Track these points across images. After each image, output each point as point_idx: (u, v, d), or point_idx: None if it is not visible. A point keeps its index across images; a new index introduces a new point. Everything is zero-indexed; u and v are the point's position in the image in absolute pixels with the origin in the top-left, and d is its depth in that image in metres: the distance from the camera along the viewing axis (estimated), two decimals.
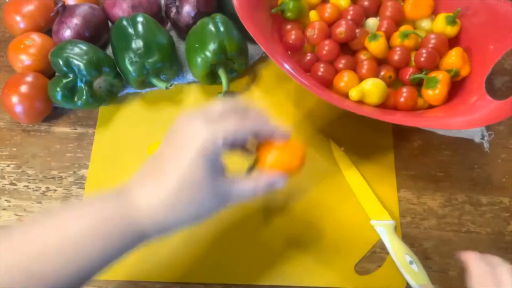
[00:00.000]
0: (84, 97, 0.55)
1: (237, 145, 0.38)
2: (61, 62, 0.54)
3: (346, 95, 0.55)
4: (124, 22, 0.58)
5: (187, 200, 0.34)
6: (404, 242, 0.51)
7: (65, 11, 0.59)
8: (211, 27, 0.57)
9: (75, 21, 0.59)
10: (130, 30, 0.57)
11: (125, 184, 0.37)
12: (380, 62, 0.58)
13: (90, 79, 0.55)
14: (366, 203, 0.54)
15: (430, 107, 0.57)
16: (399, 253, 0.50)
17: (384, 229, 0.51)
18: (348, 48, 0.59)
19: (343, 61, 0.57)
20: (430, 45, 0.56)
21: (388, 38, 0.58)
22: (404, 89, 0.55)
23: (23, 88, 0.56)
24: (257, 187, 0.38)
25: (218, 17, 0.58)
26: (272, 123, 0.38)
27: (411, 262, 0.49)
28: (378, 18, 0.61)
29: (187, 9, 0.60)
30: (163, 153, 0.36)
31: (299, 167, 0.40)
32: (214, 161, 0.35)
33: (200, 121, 0.35)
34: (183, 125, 0.36)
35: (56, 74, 0.58)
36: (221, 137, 0.34)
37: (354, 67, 0.57)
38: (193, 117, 0.36)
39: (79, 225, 0.34)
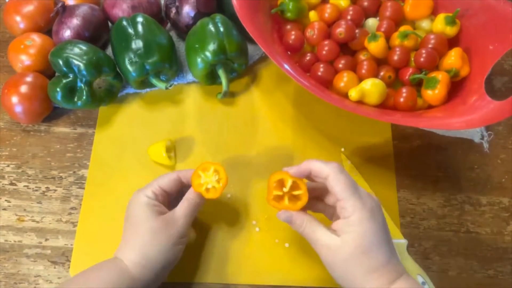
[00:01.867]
0: (84, 97, 0.56)
1: (168, 190, 0.48)
2: (61, 62, 0.54)
3: (345, 95, 0.55)
4: (124, 23, 0.58)
5: (152, 243, 0.44)
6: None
7: (65, 11, 0.59)
8: (211, 27, 0.57)
9: (75, 21, 0.59)
10: (130, 31, 0.57)
11: (115, 254, 0.46)
12: (379, 62, 0.58)
13: (90, 79, 0.55)
14: None
15: (430, 107, 0.57)
16: (411, 273, 0.49)
17: (396, 248, 0.50)
18: (347, 48, 0.59)
19: (342, 61, 0.57)
20: (430, 46, 0.56)
21: (387, 38, 0.58)
22: (404, 89, 0.55)
23: (23, 88, 0.56)
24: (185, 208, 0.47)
25: (218, 17, 0.58)
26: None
27: (423, 283, 0.48)
28: (377, 18, 0.61)
29: (187, 10, 0.60)
30: (126, 228, 0.47)
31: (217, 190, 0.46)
32: (152, 207, 0.45)
33: (138, 191, 0.47)
34: (131, 200, 0.47)
35: (56, 74, 0.58)
36: (150, 191, 0.46)
37: (353, 67, 0.57)
38: (136, 192, 0.48)
39: (103, 284, 0.43)
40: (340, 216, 0.41)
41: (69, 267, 0.52)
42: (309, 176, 0.44)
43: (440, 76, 0.54)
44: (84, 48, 0.55)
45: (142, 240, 0.44)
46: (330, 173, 0.41)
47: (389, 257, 0.40)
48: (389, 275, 0.40)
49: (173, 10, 0.61)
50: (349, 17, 0.59)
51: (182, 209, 0.46)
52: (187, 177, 0.48)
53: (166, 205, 0.48)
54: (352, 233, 0.40)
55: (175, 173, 0.48)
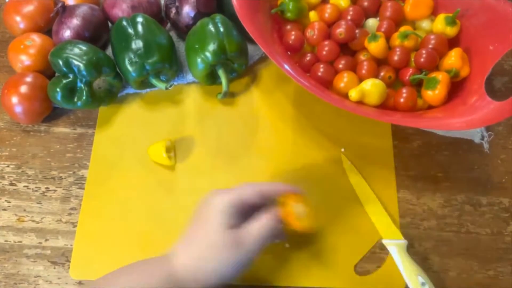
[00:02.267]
0: (84, 98, 0.55)
1: (248, 203, 0.43)
2: (61, 63, 0.54)
3: (346, 96, 0.55)
4: (124, 23, 0.58)
5: (211, 258, 0.41)
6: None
7: (65, 11, 0.59)
8: (211, 27, 0.57)
9: (75, 21, 0.59)
10: (130, 31, 0.57)
11: (170, 250, 0.44)
12: (380, 62, 0.58)
13: (90, 80, 0.55)
14: (378, 221, 0.53)
15: (430, 107, 0.57)
16: (411, 273, 0.48)
17: (396, 248, 0.50)
18: (348, 48, 0.59)
19: (343, 62, 0.57)
20: (430, 46, 0.56)
21: (388, 38, 0.58)
22: (404, 90, 0.55)
23: (23, 89, 0.56)
24: (261, 233, 0.43)
25: (218, 17, 0.58)
26: (279, 185, 0.46)
27: (423, 284, 0.48)
28: (378, 18, 0.61)
29: (187, 10, 0.60)
30: (192, 226, 0.44)
31: (307, 225, 0.44)
32: (227, 212, 0.42)
33: (215, 192, 0.44)
34: (206, 200, 0.44)
35: (56, 74, 0.58)
36: (230, 198, 0.42)
37: (354, 68, 0.57)
38: (213, 192, 0.44)
39: (149, 285, 0.41)
40: None
41: (69, 268, 0.52)
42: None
43: (440, 77, 0.54)
44: (84, 48, 0.55)
45: (203, 252, 0.41)
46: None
47: None
48: None
49: (173, 10, 0.61)
50: (349, 17, 0.59)
51: (257, 228, 0.42)
52: (270, 192, 0.44)
53: (241, 217, 0.43)
54: None
55: (258, 185, 0.44)
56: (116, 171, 0.56)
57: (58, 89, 0.55)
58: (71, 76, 0.55)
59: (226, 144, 0.58)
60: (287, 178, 0.56)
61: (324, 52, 0.57)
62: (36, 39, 0.59)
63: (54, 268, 0.52)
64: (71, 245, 0.53)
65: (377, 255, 0.52)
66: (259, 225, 0.42)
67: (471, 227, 0.54)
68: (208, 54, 0.56)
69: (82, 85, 0.55)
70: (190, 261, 0.42)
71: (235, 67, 0.60)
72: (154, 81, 0.58)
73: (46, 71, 0.59)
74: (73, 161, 0.57)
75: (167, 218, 0.54)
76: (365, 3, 0.61)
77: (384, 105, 0.56)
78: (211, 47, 0.56)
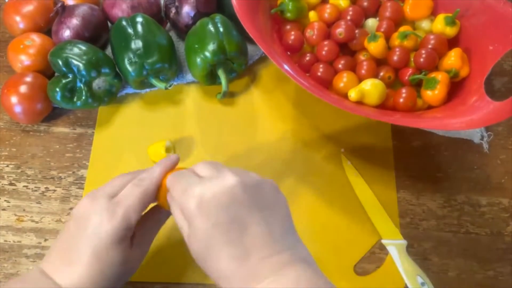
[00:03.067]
0: (83, 97, 0.55)
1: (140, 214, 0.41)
2: (60, 63, 0.54)
3: (345, 96, 0.55)
4: (124, 23, 0.58)
5: (109, 276, 0.38)
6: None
7: (65, 11, 0.59)
8: (211, 27, 0.57)
9: (75, 21, 0.59)
10: (130, 31, 0.57)
11: (41, 266, 0.39)
12: (379, 62, 0.58)
13: (89, 80, 0.55)
14: (377, 222, 0.53)
15: (430, 107, 0.57)
16: (410, 274, 0.49)
17: (395, 248, 0.51)
18: (347, 48, 0.59)
19: (342, 62, 0.57)
20: (430, 46, 0.56)
21: (387, 38, 0.58)
22: (404, 90, 0.55)
23: (23, 88, 0.56)
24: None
25: (218, 17, 0.58)
26: (156, 169, 0.42)
27: (422, 284, 0.48)
28: (377, 18, 0.61)
29: (187, 10, 0.60)
30: (69, 240, 0.39)
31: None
32: (125, 241, 0.39)
33: (104, 209, 0.38)
34: (87, 211, 0.39)
35: (56, 74, 0.58)
36: (132, 219, 0.39)
37: (353, 68, 0.57)
38: (96, 202, 0.39)
39: None
40: None
41: None
42: None
43: (440, 77, 0.54)
44: (83, 48, 0.55)
45: (100, 283, 0.38)
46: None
47: (236, 260, 0.34)
48: (242, 284, 0.33)
49: (173, 10, 0.61)
50: (348, 17, 0.59)
51: (147, 244, 0.43)
52: (152, 190, 0.41)
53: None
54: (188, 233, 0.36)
55: (149, 184, 0.40)
56: (115, 171, 0.56)
57: (57, 89, 0.55)
58: (70, 76, 0.55)
59: (226, 144, 0.58)
60: (286, 178, 0.56)
61: (324, 52, 0.57)
62: (36, 39, 0.59)
63: None
64: None
65: (376, 255, 0.52)
66: (148, 240, 0.43)
67: (471, 227, 0.54)
68: (207, 54, 0.56)
69: (82, 85, 0.55)
70: (74, 281, 0.38)
71: (235, 67, 0.60)
72: (153, 81, 0.58)
73: (46, 71, 0.59)
74: (72, 161, 0.57)
75: None
76: (365, 3, 0.61)
77: (384, 105, 0.56)
78: (211, 47, 0.56)
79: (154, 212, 0.44)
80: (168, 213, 0.44)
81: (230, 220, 0.34)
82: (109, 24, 0.64)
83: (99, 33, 0.61)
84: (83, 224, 0.39)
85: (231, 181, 0.35)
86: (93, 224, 0.38)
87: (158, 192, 0.41)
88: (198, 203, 0.35)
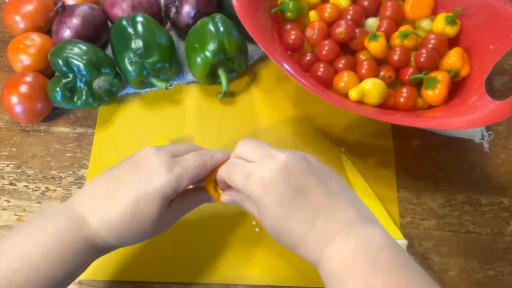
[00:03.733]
0: (83, 97, 0.55)
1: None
2: (60, 62, 0.54)
3: (346, 95, 0.55)
4: (124, 22, 0.58)
5: (136, 226, 0.39)
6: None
7: (65, 11, 0.59)
8: (211, 27, 0.57)
9: (75, 21, 0.59)
10: (130, 30, 0.57)
11: (73, 200, 0.40)
12: (380, 62, 0.58)
13: (89, 79, 0.55)
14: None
15: (430, 107, 0.57)
16: None
17: None
18: (348, 48, 0.59)
19: (342, 61, 0.57)
20: (430, 45, 0.56)
21: (388, 38, 0.58)
22: (404, 89, 0.55)
23: (23, 88, 0.56)
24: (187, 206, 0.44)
25: (218, 17, 0.58)
26: (220, 154, 0.43)
27: None
28: (378, 18, 0.61)
29: (187, 9, 0.60)
30: (120, 176, 0.40)
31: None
32: (166, 201, 0.39)
33: (165, 162, 0.39)
34: (149, 158, 0.40)
35: (56, 74, 0.58)
36: (184, 183, 0.40)
37: (354, 67, 0.57)
38: (159, 153, 0.40)
39: (43, 252, 0.36)
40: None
41: None
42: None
43: (440, 76, 0.54)
44: (83, 48, 0.55)
45: (125, 228, 0.38)
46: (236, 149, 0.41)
47: (310, 221, 0.36)
48: (317, 244, 0.36)
49: (173, 10, 0.61)
50: (349, 17, 0.59)
51: (178, 217, 0.43)
52: (210, 166, 0.42)
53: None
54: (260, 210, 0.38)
55: (208, 160, 0.42)
56: None
57: (57, 89, 0.55)
58: (71, 75, 0.55)
59: (226, 144, 0.58)
60: None
61: (324, 52, 0.57)
62: (36, 38, 0.59)
63: None
64: None
65: None
66: (183, 209, 0.44)
67: (471, 226, 0.54)
68: (208, 53, 0.56)
69: (82, 85, 0.55)
70: (111, 235, 0.38)
71: (235, 67, 0.60)
72: (154, 80, 0.58)
73: (46, 70, 0.59)
74: (72, 161, 0.57)
75: None
76: (365, 3, 0.61)
77: (384, 105, 0.56)
78: (211, 46, 0.55)
79: (195, 191, 0.45)
80: (205, 198, 0.45)
81: (293, 190, 0.37)
82: (110, 23, 0.64)
83: (100, 32, 0.61)
84: (140, 167, 0.39)
85: (282, 157, 0.38)
86: (148, 171, 0.39)
87: (206, 175, 0.43)
88: (262, 185, 0.37)
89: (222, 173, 0.41)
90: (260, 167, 0.38)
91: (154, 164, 0.39)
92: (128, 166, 0.40)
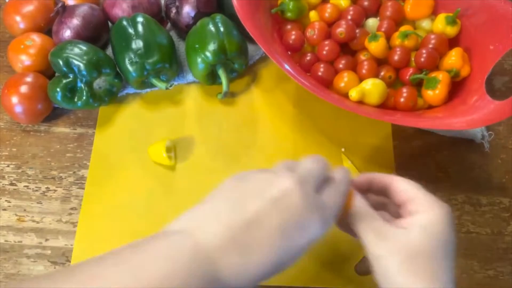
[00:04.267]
0: (84, 98, 0.55)
1: None
2: (61, 63, 0.54)
3: (346, 96, 0.55)
4: (124, 22, 0.58)
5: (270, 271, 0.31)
6: None
7: (65, 11, 0.59)
8: (211, 27, 0.57)
9: (75, 21, 0.59)
10: (130, 30, 0.57)
11: (182, 222, 0.33)
12: (380, 62, 0.58)
13: (90, 80, 0.55)
14: None
15: (430, 107, 0.57)
16: None
17: None
18: (348, 48, 0.59)
19: (343, 61, 0.57)
20: (430, 45, 0.56)
21: (388, 38, 0.58)
22: (404, 90, 0.55)
23: (23, 89, 0.56)
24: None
25: (218, 17, 0.58)
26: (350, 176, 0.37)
27: None
28: (378, 18, 0.61)
29: (187, 9, 0.60)
30: (260, 220, 0.31)
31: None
32: (309, 235, 0.32)
33: (315, 207, 0.32)
34: (295, 202, 0.31)
35: (56, 74, 0.58)
36: (329, 226, 0.33)
37: (354, 68, 0.57)
38: (306, 195, 0.32)
39: (160, 272, 0.28)
40: (410, 214, 0.36)
41: None
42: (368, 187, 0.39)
43: (441, 76, 0.54)
44: (84, 48, 0.55)
45: (267, 268, 0.31)
46: (394, 178, 0.37)
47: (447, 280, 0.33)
48: None
49: (173, 10, 0.61)
50: (349, 17, 0.59)
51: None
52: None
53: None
54: (422, 228, 0.34)
55: (343, 197, 0.35)
56: (116, 171, 0.56)
57: (58, 89, 0.55)
58: (71, 76, 0.55)
59: (226, 144, 0.58)
60: None
61: (324, 52, 0.57)
62: (36, 39, 0.59)
63: (55, 268, 0.52)
64: (71, 245, 0.53)
65: None
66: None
67: (471, 227, 0.54)
68: (208, 54, 0.56)
69: (82, 85, 0.55)
70: (251, 277, 0.30)
71: (235, 67, 0.60)
72: (154, 81, 0.58)
73: (46, 71, 0.59)
74: (73, 161, 0.57)
75: (167, 218, 0.54)
76: (365, 3, 0.61)
77: (384, 105, 0.56)
78: (211, 47, 0.55)
79: None
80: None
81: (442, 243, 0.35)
82: (110, 24, 0.64)
83: (100, 33, 0.61)
84: (285, 213, 0.31)
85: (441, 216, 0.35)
86: (298, 222, 0.31)
87: None
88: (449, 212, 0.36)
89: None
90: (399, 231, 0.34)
91: (306, 210, 0.31)
92: (268, 206, 0.31)
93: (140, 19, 0.58)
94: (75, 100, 0.56)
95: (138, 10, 0.61)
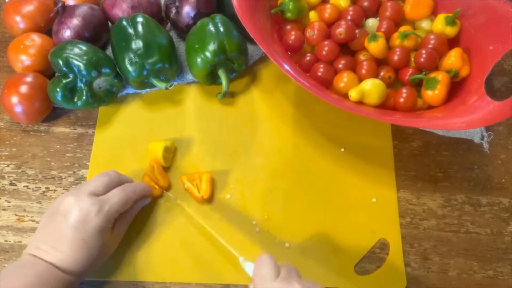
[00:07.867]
0: (84, 98, 0.56)
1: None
2: (61, 63, 0.54)
3: (345, 96, 0.55)
4: (124, 23, 0.58)
5: (87, 259, 0.45)
6: (403, 242, 0.51)
7: (65, 11, 0.59)
8: (211, 27, 0.57)
9: (75, 21, 0.59)
10: (130, 31, 0.57)
11: (30, 252, 0.45)
12: (379, 62, 0.58)
13: (90, 80, 0.55)
14: None
15: (430, 107, 0.57)
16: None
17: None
18: (347, 48, 0.59)
19: (342, 62, 0.57)
20: (430, 46, 0.56)
21: (387, 38, 0.58)
22: (404, 90, 0.55)
23: (23, 89, 0.56)
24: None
25: (218, 17, 0.58)
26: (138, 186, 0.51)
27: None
28: (377, 18, 0.61)
29: (187, 10, 0.60)
30: (58, 229, 0.45)
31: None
32: (104, 232, 0.45)
33: (93, 207, 0.45)
34: (75, 206, 0.45)
35: (56, 74, 0.58)
36: (113, 218, 0.46)
37: (353, 68, 0.57)
38: (83, 200, 0.45)
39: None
40: None
41: None
42: None
43: (440, 77, 0.54)
44: (84, 48, 0.55)
45: (84, 259, 0.45)
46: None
47: None
48: None
49: (173, 10, 0.61)
50: (349, 17, 0.59)
51: (123, 232, 0.50)
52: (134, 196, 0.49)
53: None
54: None
55: (131, 193, 0.49)
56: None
57: (58, 89, 0.55)
58: (71, 76, 0.55)
59: (226, 144, 0.58)
60: (286, 178, 0.56)
61: (324, 52, 0.57)
62: (36, 39, 0.59)
63: None
64: None
65: (376, 255, 0.52)
66: (123, 228, 0.50)
67: (471, 227, 0.54)
68: (208, 54, 0.56)
69: (82, 85, 0.55)
70: (77, 267, 0.45)
71: (235, 67, 0.60)
72: (154, 81, 0.58)
73: (46, 71, 0.59)
74: (73, 161, 0.57)
75: (167, 218, 0.54)
76: (365, 3, 0.61)
77: (384, 105, 0.56)
78: (211, 47, 0.56)
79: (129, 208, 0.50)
80: (136, 209, 0.51)
81: None
82: (110, 24, 0.64)
83: (100, 33, 0.62)
84: (71, 217, 0.45)
85: None
86: (80, 218, 0.44)
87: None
88: None
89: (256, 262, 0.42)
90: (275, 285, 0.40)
91: (81, 210, 0.45)
92: (59, 219, 0.45)
93: (140, 19, 0.58)
94: (75, 100, 0.56)
95: (138, 10, 0.61)
